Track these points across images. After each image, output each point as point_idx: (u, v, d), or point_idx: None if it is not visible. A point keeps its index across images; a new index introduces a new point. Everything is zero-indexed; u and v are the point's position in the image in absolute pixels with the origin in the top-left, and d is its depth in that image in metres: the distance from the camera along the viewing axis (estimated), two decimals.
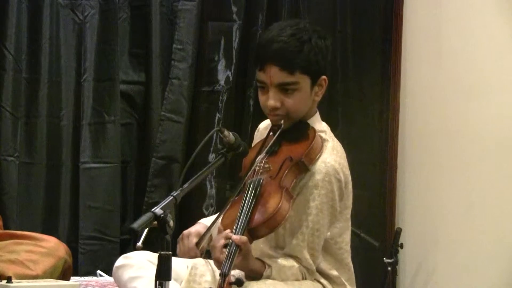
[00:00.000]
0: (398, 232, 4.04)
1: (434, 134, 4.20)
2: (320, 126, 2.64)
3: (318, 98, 2.61)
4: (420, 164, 4.32)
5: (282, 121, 2.56)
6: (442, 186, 4.13)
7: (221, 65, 4.42)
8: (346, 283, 2.62)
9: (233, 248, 2.31)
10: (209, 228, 2.54)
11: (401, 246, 4.00)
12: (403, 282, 4.30)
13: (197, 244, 2.57)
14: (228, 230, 2.37)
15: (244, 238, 2.34)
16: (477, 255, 3.84)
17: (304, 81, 2.54)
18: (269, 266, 2.46)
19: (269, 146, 2.56)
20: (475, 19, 4.00)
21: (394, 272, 4.00)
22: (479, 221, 3.85)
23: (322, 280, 2.58)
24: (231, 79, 4.39)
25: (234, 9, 4.41)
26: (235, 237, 2.33)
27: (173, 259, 2.04)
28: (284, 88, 2.53)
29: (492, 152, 3.82)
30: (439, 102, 4.18)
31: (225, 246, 2.35)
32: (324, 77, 2.59)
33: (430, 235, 4.17)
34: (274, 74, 2.52)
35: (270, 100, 2.53)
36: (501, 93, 3.79)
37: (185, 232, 2.63)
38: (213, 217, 2.71)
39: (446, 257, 4.07)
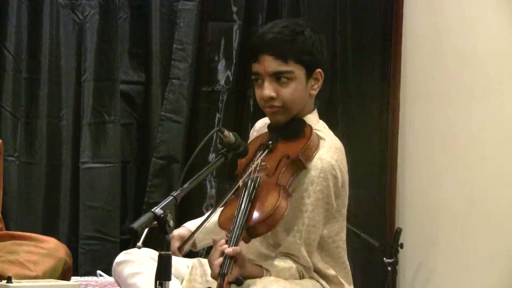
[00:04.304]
0: (398, 232, 4.04)
1: (434, 134, 4.20)
2: (317, 124, 2.62)
3: (314, 92, 2.60)
4: (420, 164, 4.32)
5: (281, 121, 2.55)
6: (442, 186, 4.13)
7: (221, 65, 4.42)
8: (343, 281, 2.60)
9: (227, 260, 2.28)
10: (193, 233, 2.51)
11: (401, 246, 4.00)
12: (403, 282, 4.30)
13: (180, 248, 2.57)
14: (223, 241, 2.33)
15: (237, 248, 2.31)
16: (477, 255, 3.84)
17: (299, 71, 2.53)
18: (267, 270, 2.43)
19: (265, 153, 2.54)
20: (475, 19, 4.00)
21: (394, 272, 4.00)
22: (479, 221, 3.85)
23: (320, 280, 2.56)
24: (231, 79, 4.40)
25: (234, 9, 4.41)
26: (227, 250, 2.29)
27: (174, 257, 2.04)
28: (279, 77, 2.52)
29: (492, 152, 3.82)
30: (439, 102, 4.18)
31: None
32: (319, 70, 2.57)
33: (430, 235, 4.17)
34: (268, 63, 2.51)
35: (265, 90, 2.52)
36: (501, 93, 3.79)
37: None
38: (198, 220, 2.71)
39: (446, 257, 4.07)
